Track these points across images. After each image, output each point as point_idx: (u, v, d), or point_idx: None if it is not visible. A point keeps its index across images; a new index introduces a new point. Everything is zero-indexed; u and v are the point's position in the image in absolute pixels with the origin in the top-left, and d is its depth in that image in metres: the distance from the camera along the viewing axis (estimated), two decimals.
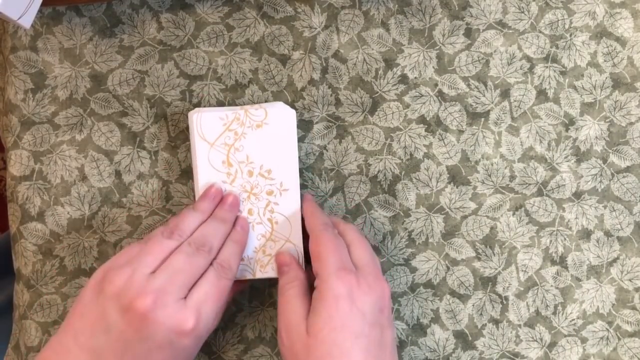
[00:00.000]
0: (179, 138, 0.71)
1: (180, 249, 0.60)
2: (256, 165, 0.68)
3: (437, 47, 0.71)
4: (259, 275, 0.68)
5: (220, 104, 0.71)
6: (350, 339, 0.57)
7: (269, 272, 0.68)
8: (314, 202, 0.68)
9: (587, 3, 0.70)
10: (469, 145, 0.70)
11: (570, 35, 0.70)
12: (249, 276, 0.68)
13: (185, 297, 0.58)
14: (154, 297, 0.56)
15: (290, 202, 0.68)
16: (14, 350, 0.73)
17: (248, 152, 0.67)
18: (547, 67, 0.70)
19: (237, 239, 0.65)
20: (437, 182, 0.71)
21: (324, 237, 0.62)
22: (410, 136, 0.71)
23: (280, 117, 0.67)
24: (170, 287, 0.57)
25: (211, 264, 0.62)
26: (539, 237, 0.70)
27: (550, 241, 0.70)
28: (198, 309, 0.58)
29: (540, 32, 0.70)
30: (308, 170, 0.71)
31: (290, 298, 0.62)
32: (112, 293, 0.56)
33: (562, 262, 0.70)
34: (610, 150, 0.70)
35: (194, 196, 0.70)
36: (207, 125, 0.67)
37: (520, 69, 0.70)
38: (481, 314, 0.71)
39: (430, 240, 0.71)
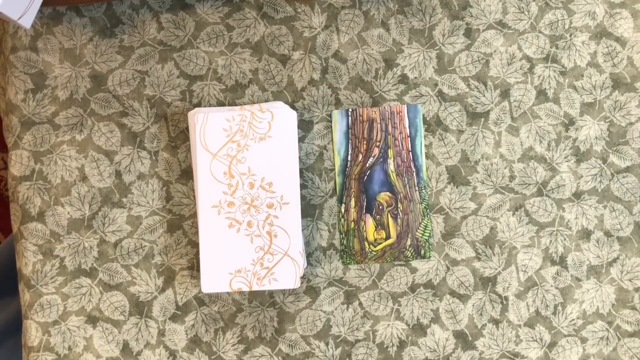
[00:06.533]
0: (179, 138, 0.71)
1: None
2: (257, 177, 0.68)
3: (437, 47, 0.71)
4: (255, 287, 0.68)
5: (220, 104, 0.71)
6: None
7: (266, 285, 0.68)
8: None
9: (587, 3, 0.70)
10: (469, 145, 0.70)
11: (570, 36, 0.70)
12: (245, 288, 0.68)
13: None
14: None
15: (290, 216, 0.68)
16: None
17: (250, 164, 0.68)
18: (547, 67, 0.70)
19: None
20: (437, 182, 0.71)
21: None
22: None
23: (283, 120, 0.67)
24: None
25: None
26: (538, 237, 0.70)
27: (550, 241, 0.70)
28: None
29: (540, 32, 0.70)
30: (308, 170, 0.71)
31: None
32: None
33: (562, 262, 0.70)
34: (610, 151, 0.70)
35: (194, 197, 0.70)
36: (210, 135, 0.67)
37: (520, 69, 0.70)
38: (481, 314, 0.71)
39: (430, 240, 0.71)
